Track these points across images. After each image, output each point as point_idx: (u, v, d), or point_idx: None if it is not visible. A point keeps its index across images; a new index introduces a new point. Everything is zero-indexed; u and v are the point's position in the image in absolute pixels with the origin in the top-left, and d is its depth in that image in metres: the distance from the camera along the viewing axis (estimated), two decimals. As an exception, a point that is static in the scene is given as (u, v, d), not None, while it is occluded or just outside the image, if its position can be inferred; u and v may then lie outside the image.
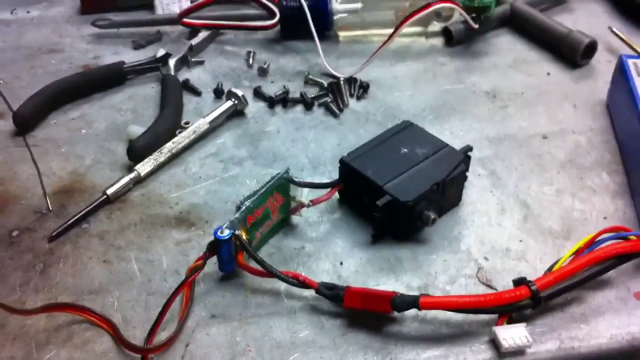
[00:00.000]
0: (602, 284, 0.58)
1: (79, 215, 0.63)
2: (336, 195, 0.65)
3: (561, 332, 0.55)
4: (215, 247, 0.56)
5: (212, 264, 0.57)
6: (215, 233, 0.55)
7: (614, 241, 0.58)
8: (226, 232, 0.55)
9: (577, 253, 0.57)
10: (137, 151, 0.68)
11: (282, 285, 0.57)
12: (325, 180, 0.67)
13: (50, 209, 0.64)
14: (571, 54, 0.84)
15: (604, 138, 0.74)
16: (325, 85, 0.80)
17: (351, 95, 0.80)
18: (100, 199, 0.64)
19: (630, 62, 0.74)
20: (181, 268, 0.59)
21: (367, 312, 0.55)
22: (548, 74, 0.84)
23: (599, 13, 0.96)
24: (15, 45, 0.88)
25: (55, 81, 0.77)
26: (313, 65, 0.84)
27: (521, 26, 0.91)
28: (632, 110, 0.69)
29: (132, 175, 0.66)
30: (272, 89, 0.80)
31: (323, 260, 0.60)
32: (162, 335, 0.53)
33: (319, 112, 0.78)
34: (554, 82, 0.82)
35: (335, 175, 0.65)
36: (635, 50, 0.85)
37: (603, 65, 0.85)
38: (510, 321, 0.54)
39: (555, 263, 0.57)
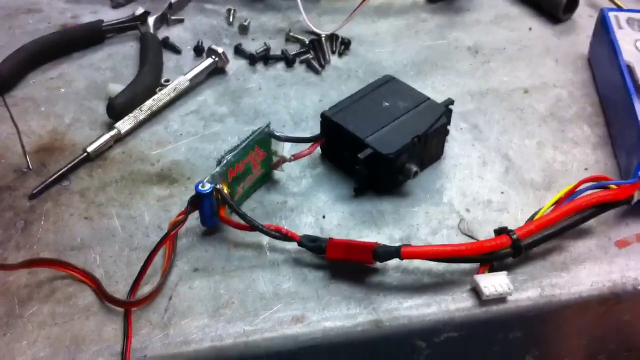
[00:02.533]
0: (583, 233, 0.59)
1: (59, 173, 0.62)
2: (318, 150, 0.65)
3: (542, 280, 0.55)
4: (197, 201, 0.55)
5: (194, 218, 0.57)
6: (196, 187, 0.55)
7: (594, 190, 0.58)
8: (207, 186, 0.55)
9: (558, 203, 0.58)
10: (116, 109, 0.67)
11: (265, 239, 0.57)
12: (307, 135, 0.67)
13: (31, 167, 0.63)
14: (553, 9, 0.84)
15: (585, 91, 0.74)
16: (307, 42, 0.79)
17: (333, 52, 0.79)
18: (81, 157, 0.64)
19: (611, 14, 0.74)
20: (163, 223, 0.59)
21: (349, 264, 0.55)
22: (530, 29, 0.83)
23: (581, -32, 0.95)
24: (-9, 5, 0.86)
25: (33, 40, 0.76)
26: (294, 22, 0.84)
27: (503, -18, 0.91)
28: (612, 62, 0.69)
29: (112, 132, 0.66)
30: (253, 46, 0.79)
31: (305, 214, 0.60)
32: (145, 290, 0.53)
33: (300, 69, 0.77)
34: (535, 37, 0.82)
35: (316, 131, 0.65)
36: (616, 4, 0.84)
37: (585, 19, 0.85)
38: (492, 270, 0.55)
39: (536, 213, 0.57)
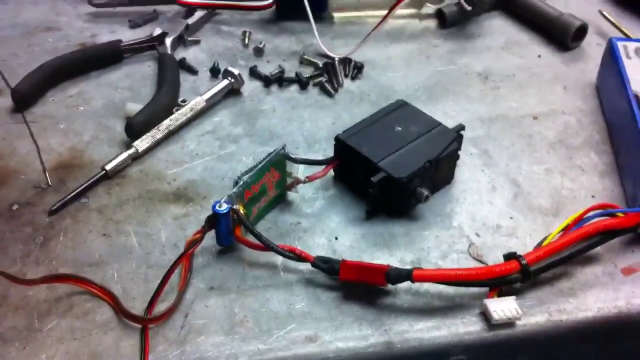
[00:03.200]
0: (590, 259, 0.60)
1: (78, 190, 0.63)
2: (331, 172, 0.66)
3: (550, 305, 0.56)
4: (214, 220, 0.57)
5: (210, 238, 0.58)
6: (213, 207, 0.56)
7: (601, 218, 0.59)
8: (224, 206, 0.56)
9: (566, 229, 0.59)
10: (135, 128, 0.69)
11: (279, 259, 0.58)
12: (320, 157, 0.69)
13: (50, 184, 0.65)
14: (562, 36, 0.86)
15: (593, 119, 0.75)
16: (320, 65, 0.81)
17: (346, 76, 0.81)
18: (99, 175, 0.65)
19: (619, 44, 0.75)
20: (179, 242, 0.60)
21: (361, 285, 0.56)
22: (539, 56, 0.85)
23: (589, -4, 0.97)
24: (12, 23, 0.88)
25: (53, 59, 0.77)
26: (308, 45, 0.85)
27: (513, 8, 0.92)
28: (620, 91, 0.70)
29: (130, 151, 0.67)
30: (267, 68, 0.81)
31: (318, 236, 0.62)
32: (161, 307, 0.55)
33: (314, 91, 0.79)
34: (544, 64, 0.84)
35: (329, 153, 0.66)
36: (625, 34, 0.86)
37: (593, 48, 0.86)
38: (501, 294, 0.56)
39: (545, 239, 0.59)
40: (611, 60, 0.75)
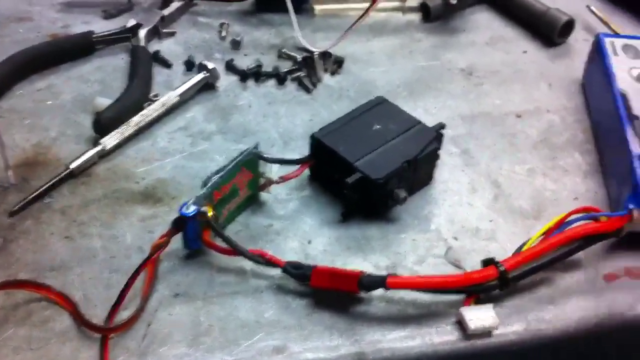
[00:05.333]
0: (571, 265, 0.58)
1: (41, 190, 0.61)
2: (307, 171, 0.64)
3: (528, 313, 0.54)
4: (180, 223, 0.54)
5: (178, 241, 0.56)
6: (180, 209, 0.54)
7: (583, 222, 0.57)
8: (191, 209, 0.54)
9: (547, 233, 0.57)
10: (103, 124, 0.66)
11: (249, 264, 0.56)
12: (296, 156, 0.66)
13: (13, 182, 0.62)
14: (548, 32, 0.84)
15: (577, 117, 0.73)
16: (299, 59, 0.78)
17: (325, 70, 0.78)
18: (64, 173, 0.63)
19: (607, 40, 0.73)
20: (145, 245, 0.57)
21: (333, 292, 0.54)
22: (525, 52, 0.83)
23: (578, -10, 0.95)
24: (-18, 12, 0.85)
25: (21, 50, 0.75)
26: (288, 38, 0.83)
27: (499, 3, 0.90)
28: (606, 89, 0.68)
29: (97, 148, 0.65)
30: (245, 62, 0.78)
31: (291, 239, 0.59)
32: (123, 315, 0.52)
33: (292, 86, 0.76)
34: (530, 61, 0.81)
35: (306, 151, 0.64)
36: (613, 30, 0.84)
37: (580, 44, 0.84)
38: (478, 302, 0.54)
39: (525, 243, 0.57)
40: (598, 57, 0.73)
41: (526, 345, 0.53)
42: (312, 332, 0.52)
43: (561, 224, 0.57)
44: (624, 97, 0.66)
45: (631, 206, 0.57)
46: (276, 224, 0.61)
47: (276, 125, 0.71)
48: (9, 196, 0.61)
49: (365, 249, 0.59)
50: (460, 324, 0.53)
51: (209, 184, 0.55)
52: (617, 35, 0.79)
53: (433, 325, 0.53)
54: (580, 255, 0.58)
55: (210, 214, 0.55)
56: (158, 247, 0.54)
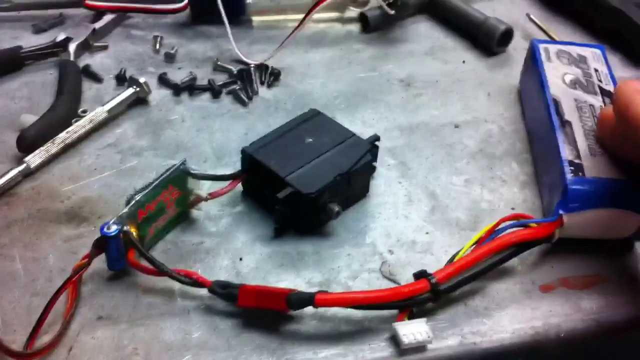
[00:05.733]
0: (506, 275, 0.57)
1: (-41, 211, 0.58)
2: (239, 187, 0.62)
3: (463, 327, 0.53)
4: (102, 244, 0.52)
5: (102, 261, 0.54)
6: (101, 229, 0.52)
7: (514, 229, 0.56)
8: (113, 228, 0.52)
9: (478, 243, 0.56)
10: (27, 141, 0.64)
11: (176, 284, 0.54)
12: (230, 171, 0.64)
13: None
14: (487, 41, 0.83)
15: (515, 127, 0.73)
16: (235, 72, 0.77)
17: (262, 83, 0.77)
18: (-15, 194, 0.60)
19: (541, 47, 0.72)
20: (69, 267, 0.55)
21: (264, 311, 0.52)
22: (464, 61, 0.82)
23: (518, 0, 0.95)
24: None
25: (-56, 68, 0.72)
26: (224, 51, 0.81)
27: (439, 13, 0.89)
28: (539, 95, 0.67)
29: (21, 167, 0.62)
30: (179, 75, 0.76)
31: (222, 257, 0.58)
32: (44, 339, 0.50)
33: (227, 100, 0.75)
34: (469, 70, 0.81)
35: (240, 166, 0.62)
36: (551, 37, 0.84)
37: (519, 52, 0.83)
38: (412, 316, 0.53)
39: (456, 254, 0.56)
40: (532, 63, 0.72)
41: (462, 359, 0.52)
42: (241, 352, 0.51)
43: (492, 232, 0.57)
44: (557, 103, 0.65)
45: (561, 211, 0.57)
46: (207, 241, 0.59)
47: (210, 140, 0.69)
48: None
49: (299, 265, 0.57)
50: (394, 340, 0.52)
51: (132, 203, 0.53)
52: (552, 41, 0.79)
53: (366, 342, 0.52)
54: (515, 265, 0.58)
55: (134, 232, 0.53)
56: (79, 268, 0.52)
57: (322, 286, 0.56)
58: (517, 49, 0.84)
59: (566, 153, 0.60)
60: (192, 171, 0.58)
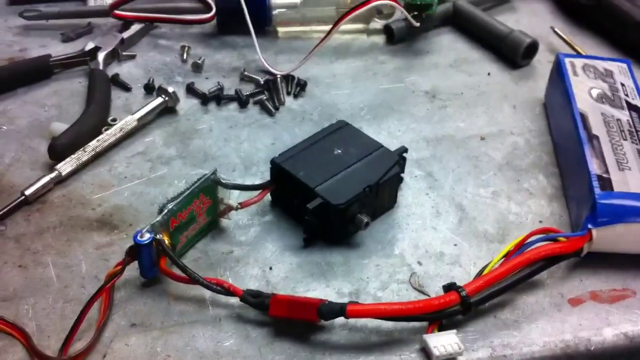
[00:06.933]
0: (535, 288, 0.57)
1: (-6, 217, 0.59)
2: (268, 196, 0.63)
3: (493, 339, 0.53)
4: (135, 251, 0.53)
5: (134, 269, 0.55)
6: (135, 237, 0.52)
7: (543, 243, 0.57)
8: (146, 236, 0.52)
9: (507, 256, 0.56)
10: (58, 149, 0.65)
11: (207, 292, 0.54)
12: (258, 181, 0.65)
13: (-35, 210, 0.60)
14: (512, 54, 0.84)
15: (542, 139, 0.73)
16: (261, 82, 0.78)
17: (288, 93, 0.77)
18: (18, 200, 0.61)
19: (567, 60, 0.73)
20: (101, 274, 0.56)
21: (294, 320, 0.53)
22: (489, 74, 0.83)
23: (542, 12, 0.95)
24: (-64, 35, 0.83)
25: (-24, 75, 0.73)
26: (250, 61, 0.82)
27: (463, 25, 0.90)
28: (566, 109, 0.68)
29: (52, 174, 0.63)
30: (206, 85, 0.77)
31: (252, 265, 0.58)
32: (78, 345, 0.51)
33: (254, 110, 0.75)
34: (494, 82, 0.81)
35: (267, 176, 0.63)
36: (577, 51, 0.84)
37: (544, 65, 0.84)
38: (441, 328, 0.53)
39: (485, 267, 0.56)
40: (558, 77, 0.73)
41: (491, 371, 0.53)
42: (272, 362, 0.51)
43: (521, 246, 0.57)
44: (584, 117, 0.66)
45: (590, 226, 0.57)
46: (237, 250, 0.59)
47: (237, 150, 0.69)
48: (-40, 224, 0.59)
49: (328, 275, 0.58)
50: (425, 351, 0.52)
51: (165, 212, 0.54)
52: (577, 55, 0.79)
53: (396, 353, 0.52)
54: (544, 278, 0.58)
55: (166, 241, 0.53)
56: (112, 276, 0.53)
57: (352, 296, 0.56)
58: (542, 61, 0.85)
59: (594, 167, 0.60)
60: (223, 181, 0.58)
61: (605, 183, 0.59)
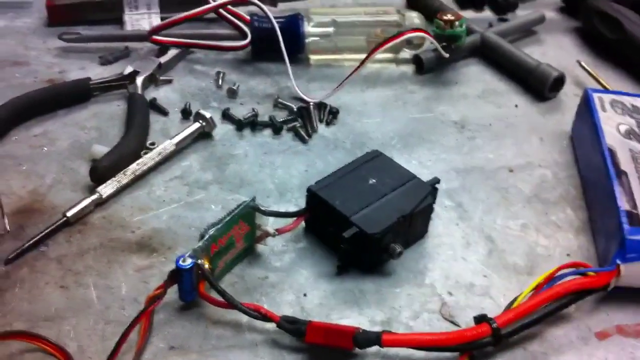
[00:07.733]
0: (563, 321, 0.58)
1: (37, 238, 0.61)
2: (302, 223, 0.64)
3: (523, 371, 0.55)
4: (177, 276, 0.54)
5: (173, 292, 0.56)
6: (177, 261, 0.54)
7: (572, 277, 0.58)
8: (188, 261, 0.54)
9: (537, 289, 0.58)
10: (100, 172, 0.66)
11: (244, 317, 0.56)
12: (292, 207, 0.67)
13: (8, 229, 0.62)
14: (539, 86, 0.85)
15: (569, 173, 0.74)
16: (295, 109, 0.79)
17: (320, 121, 0.79)
18: (60, 221, 0.63)
19: (595, 96, 0.74)
20: (140, 296, 0.57)
21: (328, 347, 0.54)
22: (516, 106, 0.84)
23: (567, 45, 0.97)
24: (-22, 57, 0.86)
25: (18, 96, 0.75)
26: (283, 88, 0.84)
27: (491, 56, 0.92)
28: (594, 145, 0.69)
29: (93, 197, 0.65)
30: (241, 110, 0.79)
31: (287, 291, 0.59)
32: (118, 367, 0.52)
33: (287, 136, 0.77)
34: (521, 114, 0.83)
35: (302, 202, 0.64)
36: (602, 85, 0.86)
37: (570, 98, 0.86)
38: (472, 359, 0.54)
39: (515, 299, 0.57)
40: (586, 112, 0.74)
41: (520, 403, 0.54)
42: (307, 387, 0.52)
43: (550, 279, 0.58)
44: (612, 152, 0.67)
45: (618, 261, 0.58)
46: (272, 276, 0.61)
47: (272, 176, 0.71)
48: (4, 244, 0.61)
49: (361, 302, 0.59)
50: (456, 381, 0.53)
51: (206, 237, 0.55)
52: (605, 90, 0.80)
53: (428, 383, 0.53)
54: (571, 311, 0.59)
55: (207, 265, 0.55)
56: (154, 299, 0.54)
57: (384, 325, 0.57)
58: (568, 94, 0.86)
59: (623, 203, 0.62)
60: (261, 208, 0.60)
61: (634, 219, 0.60)
